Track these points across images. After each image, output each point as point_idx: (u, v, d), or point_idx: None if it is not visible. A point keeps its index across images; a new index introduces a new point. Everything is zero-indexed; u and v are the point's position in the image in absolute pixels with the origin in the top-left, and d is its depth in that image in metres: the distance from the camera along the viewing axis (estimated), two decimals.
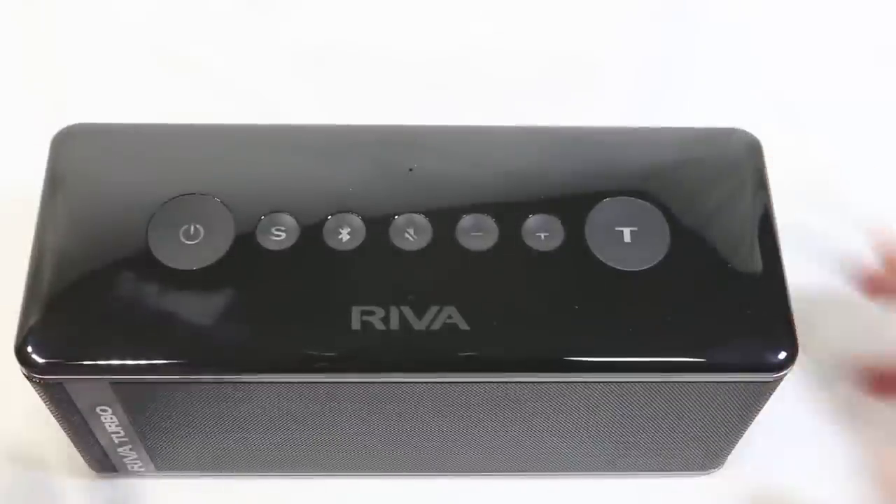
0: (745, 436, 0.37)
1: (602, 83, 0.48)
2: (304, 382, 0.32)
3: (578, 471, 0.39)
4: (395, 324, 0.31)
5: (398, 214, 0.33)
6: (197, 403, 0.33)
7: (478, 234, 0.33)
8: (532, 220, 0.33)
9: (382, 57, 0.48)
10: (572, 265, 0.33)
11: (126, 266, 0.32)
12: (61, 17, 0.49)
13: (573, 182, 0.34)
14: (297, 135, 0.35)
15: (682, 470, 0.39)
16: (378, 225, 0.33)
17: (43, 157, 0.34)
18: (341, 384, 0.32)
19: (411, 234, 0.33)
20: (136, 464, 0.37)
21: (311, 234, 0.33)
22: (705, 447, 0.37)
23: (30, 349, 0.31)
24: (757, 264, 0.33)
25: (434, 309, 0.31)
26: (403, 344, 0.31)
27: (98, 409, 0.33)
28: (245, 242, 0.32)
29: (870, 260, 0.41)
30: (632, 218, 0.33)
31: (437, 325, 0.31)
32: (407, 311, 0.31)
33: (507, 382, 0.32)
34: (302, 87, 0.47)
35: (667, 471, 0.39)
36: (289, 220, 0.33)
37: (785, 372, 0.32)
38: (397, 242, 0.33)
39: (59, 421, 0.34)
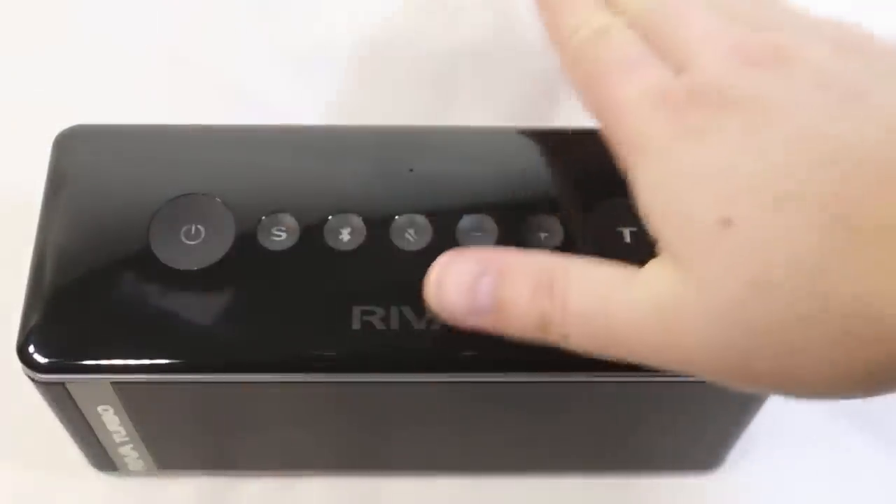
0: (745, 436, 0.37)
1: None
2: (304, 382, 0.32)
3: (578, 470, 0.39)
4: (395, 324, 0.31)
5: (398, 215, 0.33)
6: (197, 403, 0.33)
7: (478, 234, 0.33)
8: (532, 220, 0.33)
9: (383, 57, 0.48)
10: None
11: (127, 266, 0.32)
12: (62, 17, 0.49)
13: (573, 182, 0.34)
14: (297, 136, 0.35)
15: (682, 470, 0.39)
16: (378, 225, 0.33)
17: (45, 158, 0.34)
18: (341, 384, 0.32)
19: (412, 234, 0.33)
20: (137, 463, 0.37)
21: (312, 234, 0.33)
22: (705, 447, 0.37)
23: (31, 349, 0.31)
24: None
25: None
26: (403, 344, 0.31)
27: (99, 409, 0.33)
28: (246, 242, 0.33)
29: None
30: (631, 218, 0.33)
31: (437, 325, 0.31)
32: (407, 311, 0.31)
33: (506, 382, 0.32)
34: (302, 87, 0.47)
35: (667, 471, 0.39)
36: (289, 220, 0.33)
37: None
38: (398, 243, 0.33)
39: (60, 420, 0.34)
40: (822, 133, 0.26)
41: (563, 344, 0.28)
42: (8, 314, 0.32)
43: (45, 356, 0.31)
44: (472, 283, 0.29)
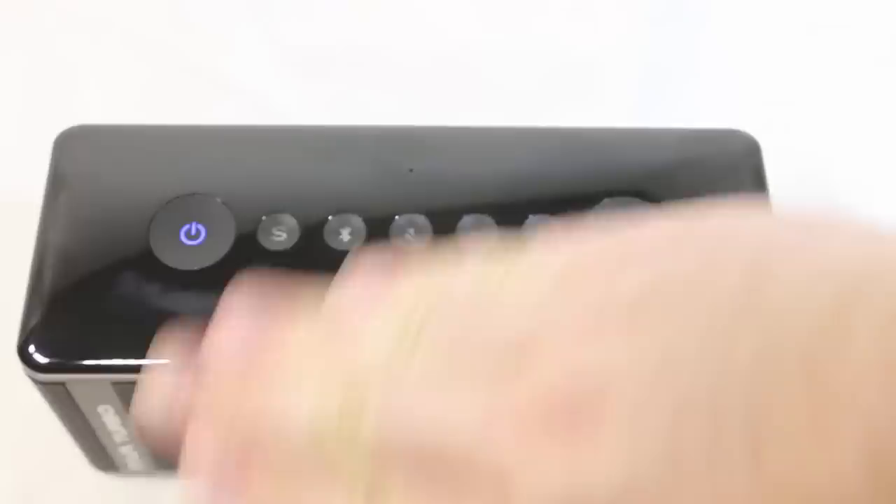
0: None
1: (602, 84, 0.48)
2: None
3: None
4: None
5: (398, 215, 0.33)
6: None
7: (478, 233, 0.33)
8: (532, 220, 0.33)
9: (383, 57, 0.48)
10: None
11: (128, 266, 0.32)
12: (63, 17, 0.49)
13: (573, 182, 0.34)
14: (297, 136, 0.35)
15: None
16: (378, 225, 0.33)
17: (46, 158, 0.34)
18: None
19: (412, 234, 0.33)
20: (137, 463, 0.37)
21: (312, 234, 0.33)
22: None
23: (32, 349, 0.31)
24: None
25: None
26: None
27: (99, 409, 0.33)
28: (246, 242, 0.32)
29: None
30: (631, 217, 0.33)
31: None
32: None
33: None
34: (303, 87, 0.47)
35: None
36: (290, 220, 0.33)
37: None
38: (398, 242, 0.33)
39: (60, 420, 0.34)
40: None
41: None
42: (8, 314, 0.32)
43: (45, 356, 0.31)
44: None
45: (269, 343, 0.24)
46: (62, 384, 0.32)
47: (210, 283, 0.32)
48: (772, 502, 0.19)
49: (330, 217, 0.33)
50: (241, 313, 0.25)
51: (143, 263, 0.32)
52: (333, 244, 0.32)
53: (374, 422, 0.22)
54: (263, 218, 0.33)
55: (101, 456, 0.37)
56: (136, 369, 0.31)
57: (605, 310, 0.21)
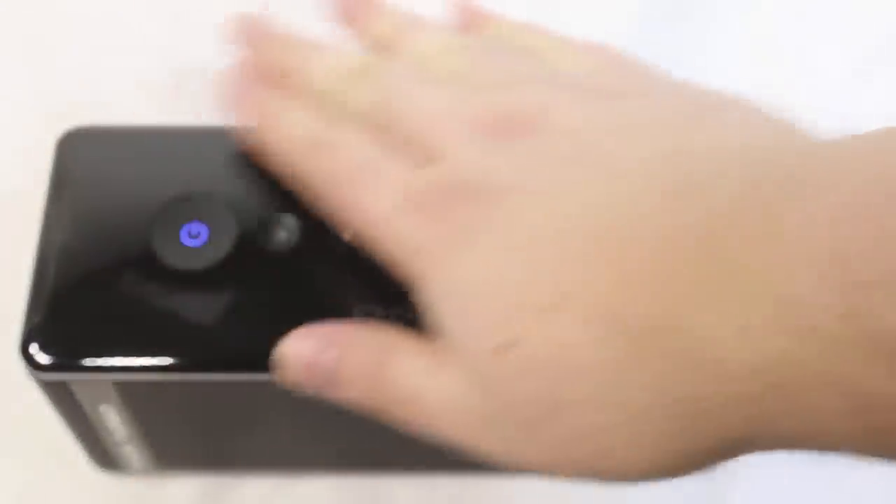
0: None
1: None
2: None
3: None
4: (396, 324, 0.31)
5: None
6: (199, 403, 0.34)
7: None
8: None
9: None
10: None
11: (129, 266, 0.32)
12: (66, 17, 0.49)
13: None
14: None
15: None
16: None
17: (48, 159, 0.34)
18: None
19: None
20: (138, 462, 0.37)
21: (314, 234, 0.33)
22: None
23: (34, 349, 0.31)
24: None
25: None
26: None
27: (101, 408, 0.33)
28: (247, 242, 0.33)
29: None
30: None
31: None
32: (409, 311, 0.31)
33: None
34: None
35: None
36: (291, 220, 0.33)
37: None
38: None
39: (62, 419, 0.34)
40: (580, 220, 0.23)
41: (383, 419, 0.28)
42: (10, 314, 0.32)
43: (47, 356, 0.31)
44: (311, 359, 0.28)
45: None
46: (64, 384, 0.32)
47: (211, 283, 0.32)
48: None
49: None
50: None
51: (144, 264, 0.32)
52: (335, 244, 0.33)
53: (372, 84, 0.29)
54: (265, 218, 0.33)
55: (103, 455, 0.37)
56: (138, 369, 0.31)
57: (586, 87, 0.28)
